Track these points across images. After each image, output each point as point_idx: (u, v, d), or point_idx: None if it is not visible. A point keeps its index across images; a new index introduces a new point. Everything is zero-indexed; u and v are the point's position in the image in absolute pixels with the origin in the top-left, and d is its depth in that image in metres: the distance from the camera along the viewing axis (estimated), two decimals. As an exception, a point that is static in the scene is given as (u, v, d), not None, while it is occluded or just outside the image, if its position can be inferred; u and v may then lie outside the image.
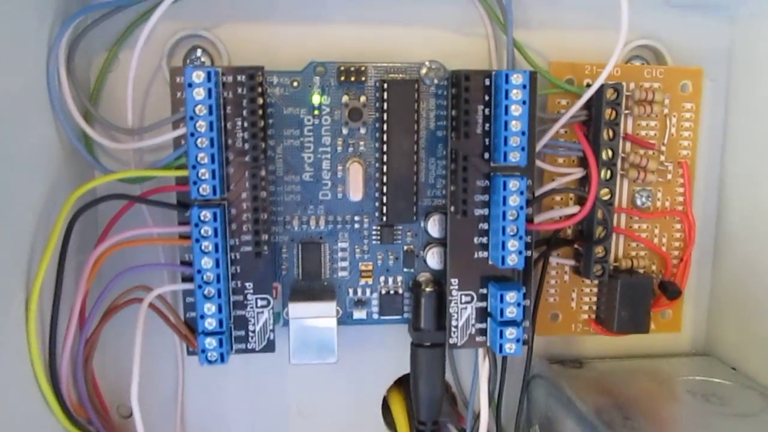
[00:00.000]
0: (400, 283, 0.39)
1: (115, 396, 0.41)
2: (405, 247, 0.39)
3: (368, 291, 0.39)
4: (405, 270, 0.39)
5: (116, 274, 0.35)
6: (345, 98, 0.37)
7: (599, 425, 0.33)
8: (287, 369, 0.40)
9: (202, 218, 0.33)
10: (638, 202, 0.40)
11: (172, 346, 0.40)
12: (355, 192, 0.37)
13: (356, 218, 0.38)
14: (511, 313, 0.35)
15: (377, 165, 0.37)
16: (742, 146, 0.42)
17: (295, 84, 0.37)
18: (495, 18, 0.39)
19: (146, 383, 0.40)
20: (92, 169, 0.38)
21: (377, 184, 0.37)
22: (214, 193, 0.33)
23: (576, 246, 0.40)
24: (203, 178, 0.33)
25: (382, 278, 0.39)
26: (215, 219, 0.33)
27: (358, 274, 0.39)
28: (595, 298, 0.41)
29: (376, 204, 0.38)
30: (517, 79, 0.34)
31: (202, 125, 0.32)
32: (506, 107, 0.34)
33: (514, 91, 0.34)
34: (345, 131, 0.37)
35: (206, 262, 0.34)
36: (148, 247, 0.38)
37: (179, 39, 0.38)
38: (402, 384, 0.43)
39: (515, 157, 0.34)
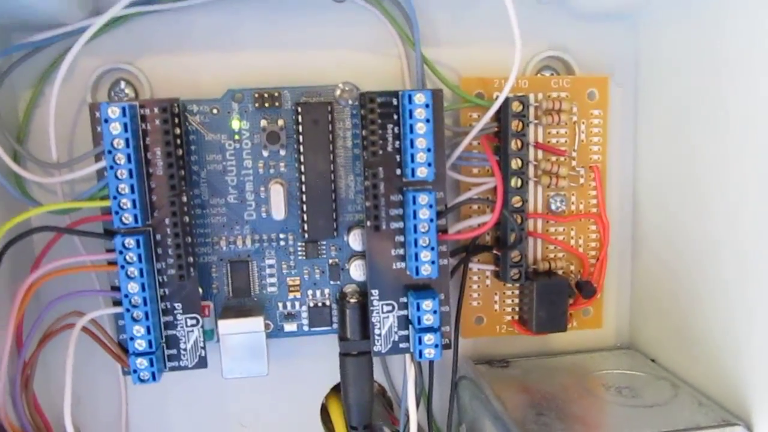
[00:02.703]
0: (327, 296, 0.41)
1: (62, 419, 0.42)
2: (330, 261, 0.41)
3: (297, 304, 0.41)
4: (331, 283, 0.41)
5: (50, 302, 0.37)
6: (263, 123, 0.39)
7: (510, 423, 0.35)
8: (225, 383, 0.42)
9: (126, 245, 0.35)
10: (553, 207, 0.42)
11: (114, 368, 0.42)
12: (278, 211, 0.39)
13: (281, 236, 0.40)
14: (428, 320, 0.37)
15: (297, 185, 0.39)
16: (652, 148, 0.44)
17: (215, 111, 0.39)
18: (405, 37, 0.41)
19: (91, 404, 0.42)
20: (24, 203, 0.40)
21: (298, 203, 0.39)
22: (136, 221, 0.35)
23: (495, 252, 0.42)
24: (124, 207, 0.34)
25: (309, 292, 0.41)
26: (138, 245, 0.35)
27: (287, 289, 0.41)
28: (517, 300, 0.43)
29: (299, 222, 0.39)
30: (419, 99, 0.35)
31: (120, 158, 0.34)
32: (411, 126, 0.36)
33: (418, 110, 0.36)
34: (265, 154, 0.39)
35: (132, 287, 0.35)
36: (84, 274, 0.39)
37: (102, 73, 0.40)
38: (339, 390, 0.44)
39: (423, 173, 0.36)
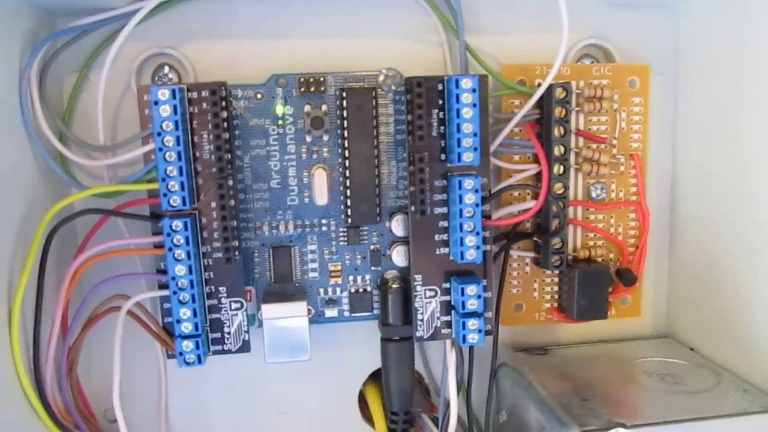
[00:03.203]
0: (368, 282, 0.41)
1: (102, 402, 0.42)
2: (371, 247, 0.41)
3: (338, 290, 0.41)
4: (372, 269, 0.41)
5: (95, 285, 0.37)
6: (307, 108, 0.39)
7: (556, 408, 0.35)
8: (265, 368, 0.42)
9: (173, 228, 0.35)
10: (593, 195, 0.42)
11: (155, 352, 0.42)
12: (321, 197, 0.39)
13: (323, 221, 0.40)
14: (471, 305, 0.37)
15: (340, 170, 0.39)
16: (691, 137, 0.44)
17: (259, 96, 0.39)
18: (448, 24, 0.41)
19: (130, 388, 0.42)
20: (69, 186, 0.40)
21: (341, 188, 0.39)
22: (184, 203, 0.35)
23: (535, 239, 0.42)
24: (173, 190, 0.35)
25: (350, 277, 0.41)
26: (186, 228, 0.35)
27: (328, 275, 0.41)
28: (556, 288, 0.43)
29: (341, 207, 0.40)
30: (466, 83, 0.36)
31: (169, 140, 0.34)
32: (458, 110, 0.36)
33: (465, 94, 0.36)
34: (309, 139, 0.39)
35: (179, 270, 0.35)
36: (126, 258, 0.40)
37: (146, 58, 0.40)
38: (378, 378, 0.44)
39: (468, 158, 0.36)
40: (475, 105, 0.36)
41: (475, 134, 0.36)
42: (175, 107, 0.34)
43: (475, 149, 0.36)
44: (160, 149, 0.34)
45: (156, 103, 0.34)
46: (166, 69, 0.41)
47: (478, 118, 0.36)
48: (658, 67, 0.44)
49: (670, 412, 0.34)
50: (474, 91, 0.36)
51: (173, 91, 0.34)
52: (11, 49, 0.35)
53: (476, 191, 0.36)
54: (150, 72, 0.41)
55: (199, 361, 0.36)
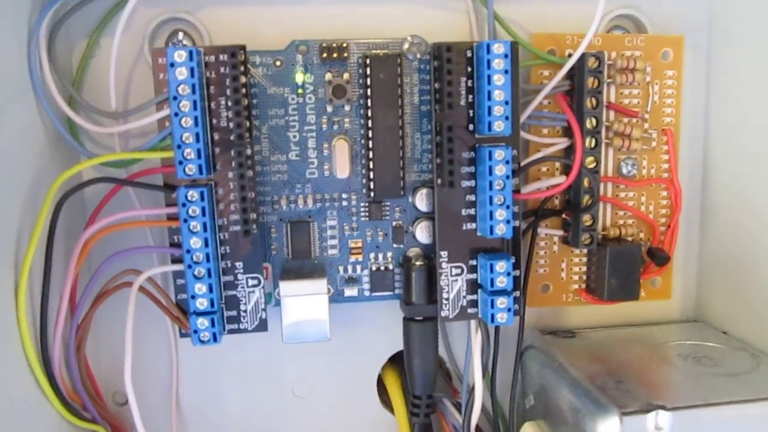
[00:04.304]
0: (390, 259, 0.39)
1: (110, 384, 0.41)
2: (394, 223, 0.39)
3: (358, 268, 0.39)
4: (395, 246, 0.39)
5: (105, 259, 0.35)
6: (328, 76, 0.37)
7: (592, 389, 0.33)
8: (281, 349, 0.40)
9: (189, 198, 0.33)
10: (624, 171, 0.41)
11: (165, 330, 0.40)
12: (342, 169, 0.37)
13: (344, 196, 0.38)
14: (501, 282, 0.35)
15: (363, 142, 0.37)
16: (725, 113, 0.42)
17: (278, 63, 0.37)
18: (475, -9, 0.39)
19: (140, 368, 0.40)
20: (78, 155, 0.38)
21: (363, 161, 0.38)
22: (200, 172, 0.33)
23: (564, 216, 0.40)
24: (189, 157, 0.33)
25: (372, 255, 0.39)
26: (202, 198, 0.33)
27: (348, 252, 0.39)
28: (584, 268, 0.41)
29: (363, 181, 0.38)
30: (498, 48, 0.34)
31: (185, 105, 0.32)
32: (489, 77, 0.34)
33: (496, 60, 0.34)
34: (329, 109, 0.37)
35: (195, 242, 0.34)
36: (136, 232, 0.38)
37: (160, 23, 0.38)
38: (396, 361, 0.43)
39: (500, 127, 0.34)
40: (507, 72, 0.34)
41: (506, 102, 0.34)
42: (192, 69, 0.32)
43: (507, 118, 0.34)
44: (176, 114, 0.32)
45: (172, 65, 0.32)
46: (181, 35, 0.39)
47: (510, 85, 0.34)
48: (692, 40, 0.42)
49: (712, 394, 0.32)
50: (506, 56, 0.34)
51: (190, 53, 0.32)
52: (20, 9, 0.33)
53: (507, 162, 0.34)
54: (164, 39, 0.39)
55: (215, 340, 0.35)
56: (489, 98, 0.34)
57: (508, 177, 0.35)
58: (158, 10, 0.38)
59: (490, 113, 0.34)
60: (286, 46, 0.37)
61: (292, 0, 0.39)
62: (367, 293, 0.39)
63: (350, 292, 0.39)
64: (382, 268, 0.39)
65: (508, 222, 0.35)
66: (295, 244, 0.38)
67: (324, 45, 0.37)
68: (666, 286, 0.43)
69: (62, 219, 0.34)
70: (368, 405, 0.43)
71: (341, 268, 0.39)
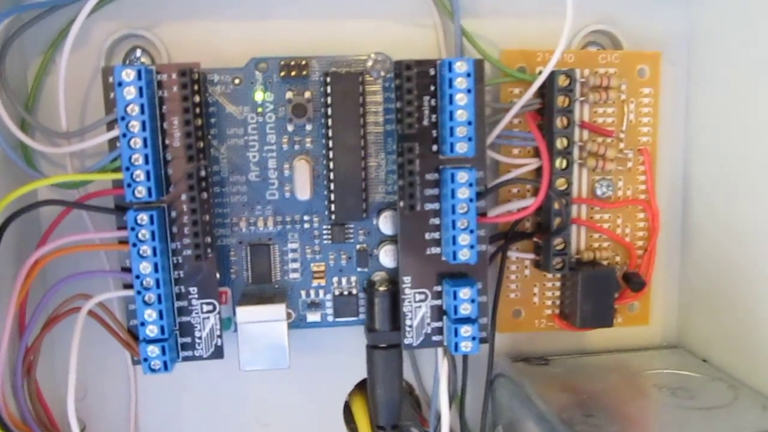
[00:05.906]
0: (354, 284, 0.38)
1: (67, 411, 0.39)
2: (358, 246, 0.38)
3: (321, 293, 0.38)
4: (359, 270, 0.38)
5: (55, 283, 0.34)
6: (289, 94, 0.36)
7: (558, 424, 0.32)
8: (243, 376, 0.39)
9: (138, 221, 0.32)
10: (599, 192, 0.39)
11: (123, 357, 0.39)
12: (303, 191, 0.36)
13: (306, 218, 0.37)
14: (465, 310, 0.34)
15: (324, 162, 0.36)
16: (705, 131, 0.41)
17: (237, 81, 0.36)
18: (442, 6, 0.38)
19: (98, 395, 0.39)
20: (32, 177, 0.37)
21: (325, 182, 0.36)
22: (150, 195, 0.32)
23: (535, 239, 0.39)
24: (138, 179, 0.32)
25: (335, 279, 0.38)
26: (152, 222, 0.32)
27: (311, 276, 0.38)
28: (558, 293, 0.40)
29: (325, 202, 0.37)
30: (461, 67, 0.33)
31: (134, 125, 0.31)
32: (451, 96, 0.33)
33: (459, 79, 0.33)
34: (290, 128, 0.36)
35: (145, 267, 0.32)
36: (93, 254, 0.37)
37: (117, 39, 0.37)
38: (364, 387, 0.41)
39: (462, 149, 0.33)
40: (469, 91, 0.33)
41: (469, 123, 0.33)
42: (140, 89, 0.31)
43: (470, 139, 0.33)
44: (125, 135, 0.31)
45: (120, 84, 0.31)
46: (139, 52, 0.38)
47: (473, 105, 0.33)
48: (670, 56, 0.40)
49: (683, 431, 0.31)
50: (469, 75, 0.33)
51: (139, 72, 0.31)
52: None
53: (470, 185, 0.33)
54: (121, 56, 0.38)
55: (166, 368, 0.33)
56: (451, 118, 0.33)
57: (471, 200, 0.33)
58: (115, 26, 0.37)
59: (452, 134, 0.33)
60: (245, 63, 0.36)
61: (254, 15, 0.38)
62: (330, 318, 0.38)
63: (313, 317, 0.38)
64: (346, 292, 0.38)
65: (471, 247, 0.33)
66: (255, 267, 0.37)
67: (284, 63, 0.36)
68: (644, 311, 0.41)
69: (12, 241, 0.33)
70: (335, 433, 0.42)
71: (303, 293, 0.38)
